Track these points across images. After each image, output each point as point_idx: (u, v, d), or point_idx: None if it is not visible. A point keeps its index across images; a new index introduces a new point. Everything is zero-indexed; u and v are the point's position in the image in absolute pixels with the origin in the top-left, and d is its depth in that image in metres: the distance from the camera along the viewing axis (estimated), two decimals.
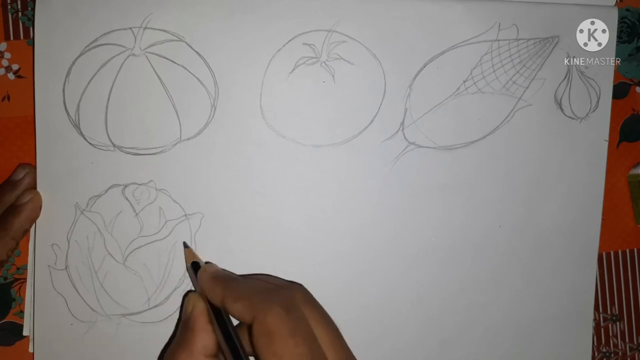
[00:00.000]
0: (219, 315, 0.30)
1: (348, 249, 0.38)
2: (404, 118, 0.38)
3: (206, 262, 0.35)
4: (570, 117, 0.39)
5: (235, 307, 0.28)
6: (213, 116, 0.36)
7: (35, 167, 0.35)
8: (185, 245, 0.36)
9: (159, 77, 0.36)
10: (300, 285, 0.32)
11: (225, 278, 0.31)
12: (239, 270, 0.36)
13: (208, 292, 0.31)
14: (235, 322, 0.30)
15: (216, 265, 0.34)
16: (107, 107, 0.35)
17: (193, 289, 0.36)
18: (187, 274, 0.36)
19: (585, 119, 0.39)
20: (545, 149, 0.39)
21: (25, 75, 0.36)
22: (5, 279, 0.36)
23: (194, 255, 0.35)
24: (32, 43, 0.35)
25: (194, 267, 0.34)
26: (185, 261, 0.36)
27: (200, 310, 0.30)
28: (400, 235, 0.38)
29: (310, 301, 0.30)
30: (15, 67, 0.36)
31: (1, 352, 0.36)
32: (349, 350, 0.29)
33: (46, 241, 0.35)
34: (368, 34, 0.37)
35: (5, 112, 0.36)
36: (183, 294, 0.36)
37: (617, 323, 0.42)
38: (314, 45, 0.37)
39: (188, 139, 0.36)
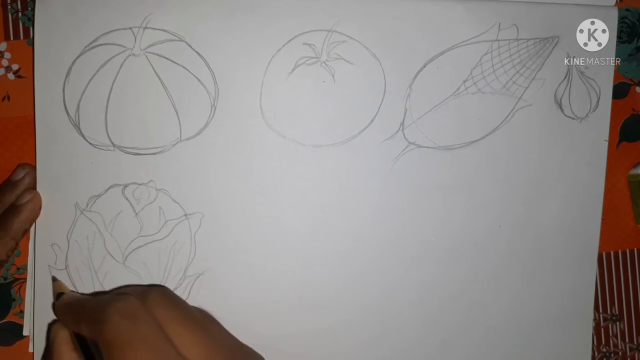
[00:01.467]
0: (83, 342, 0.29)
1: (348, 249, 0.38)
2: (404, 118, 0.38)
3: (72, 291, 0.34)
4: (570, 117, 0.39)
5: (83, 329, 0.28)
6: (213, 116, 0.36)
7: (35, 167, 0.35)
8: (54, 279, 0.35)
9: (158, 77, 0.36)
10: (158, 287, 0.31)
11: (75, 303, 0.31)
12: (238, 270, 0.36)
13: (62, 321, 0.31)
14: None
15: (72, 294, 0.33)
16: (107, 107, 0.35)
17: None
18: (186, 275, 0.36)
19: (585, 119, 0.39)
20: (545, 149, 0.39)
21: (25, 75, 0.36)
22: (5, 279, 0.36)
23: (62, 287, 0.34)
24: (32, 43, 0.35)
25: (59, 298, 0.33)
26: (53, 294, 0.35)
27: (61, 339, 0.30)
28: (400, 235, 0.38)
29: (167, 301, 0.29)
30: (15, 67, 0.36)
31: (1, 352, 0.36)
32: (217, 345, 0.28)
33: (46, 241, 0.35)
34: (368, 34, 0.37)
35: (5, 112, 0.36)
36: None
37: (617, 323, 0.42)
38: (314, 45, 0.37)
39: (188, 138, 0.36)
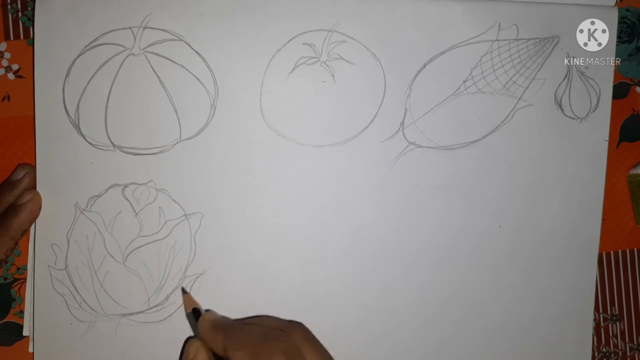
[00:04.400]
0: None
1: (348, 248, 0.38)
2: (404, 118, 0.38)
3: (206, 310, 0.35)
4: (570, 117, 0.39)
5: (237, 356, 0.30)
6: (213, 116, 0.36)
7: (35, 167, 0.35)
8: (184, 291, 0.36)
9: (158, 76, 0.36)
10: (299, 324, 0.33)
11: (225, 326, 0.32)
12: (238, 270, 0.37)
13: (209, 341, 0.32)
14: None
15: (215, 313, 0.35)
16: (106, 107, 0.35)
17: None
18: (186, 275, 0.36)
19: (585, 119, 0.39)
20: (545, 149, 0.39)
21: (25, 75, 0.36)
22: (5, 279, 0.36)
23: (194, 302, 0.35)
24: (32, 43, 0.35)
25: (195, 314, 0.34)
26: (185, 308, 0.36)
27: (202, 359, 0.32)
28: (400, 235, 0.38)
29: (309, 340, 0.31)
30: (15, 67, 0.36)
31: (1, 352, 0.36)
32: None
33: (46, 241, 0.35)
34: (368, 34, 0.37)
35: (5, 112, 0.36)
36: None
37: (617, 323, 0.42)
38: (314, 45, 0.37)
39: (188, 138, 0.36)
